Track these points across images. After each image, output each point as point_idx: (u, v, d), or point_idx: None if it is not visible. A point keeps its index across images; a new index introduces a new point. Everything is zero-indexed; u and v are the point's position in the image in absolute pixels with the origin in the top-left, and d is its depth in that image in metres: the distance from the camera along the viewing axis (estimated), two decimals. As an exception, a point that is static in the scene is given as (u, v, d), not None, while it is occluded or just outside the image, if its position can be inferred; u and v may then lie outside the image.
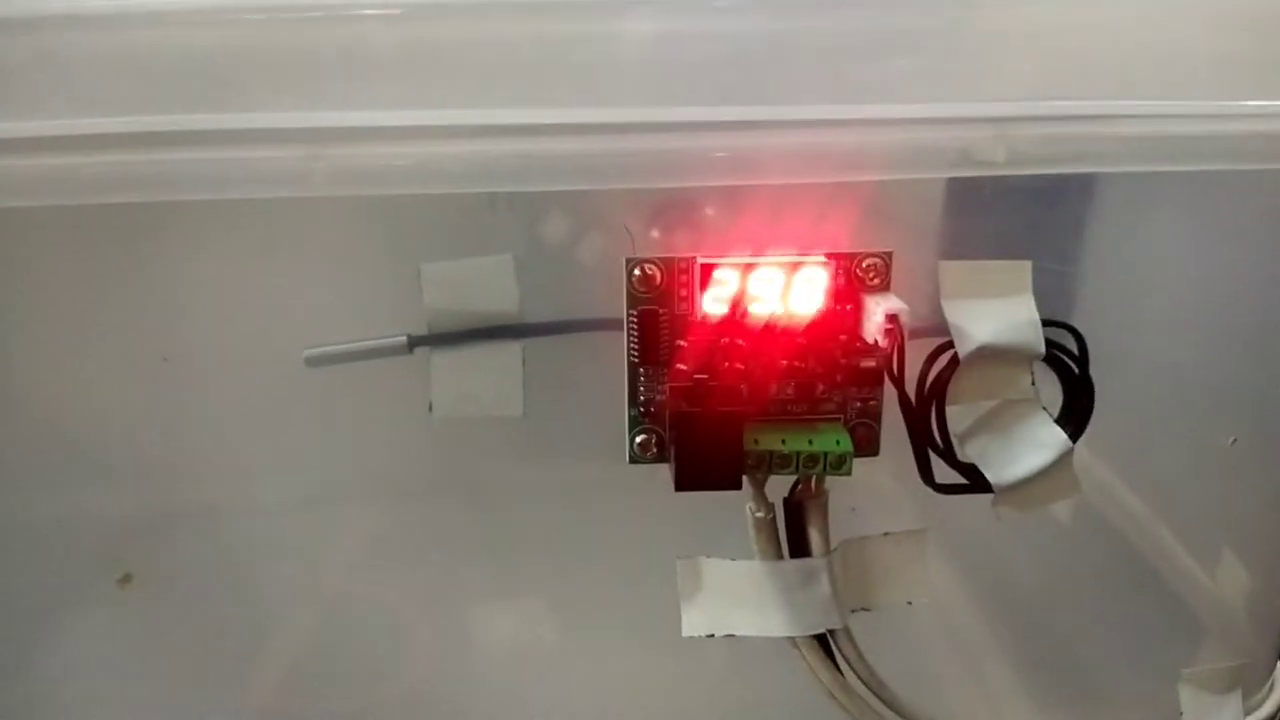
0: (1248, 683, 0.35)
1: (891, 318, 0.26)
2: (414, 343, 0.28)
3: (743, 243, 0.27)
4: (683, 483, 0.27)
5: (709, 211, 0.29)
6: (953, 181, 0.31)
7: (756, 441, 0.27)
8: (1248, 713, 0.35)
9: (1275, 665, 0.36)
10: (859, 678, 0.30)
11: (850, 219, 0.27)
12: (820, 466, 0.27)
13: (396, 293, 0.28)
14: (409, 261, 0.27)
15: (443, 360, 0.28)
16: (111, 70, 0.24)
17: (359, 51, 0.25)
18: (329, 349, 0.28)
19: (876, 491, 0.30)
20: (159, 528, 0.37)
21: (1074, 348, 0.29)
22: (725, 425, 0.26)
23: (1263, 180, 0.29)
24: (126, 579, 0.34)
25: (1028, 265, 0.28)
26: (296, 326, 0.30)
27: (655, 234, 0.30)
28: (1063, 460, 0.29)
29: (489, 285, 0.27)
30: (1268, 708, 0.35)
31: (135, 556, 0.37)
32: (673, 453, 0.27)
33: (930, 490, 0.29)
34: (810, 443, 0.27)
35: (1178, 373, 0.36)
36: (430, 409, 0.28)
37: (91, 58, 0.24)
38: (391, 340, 0.28)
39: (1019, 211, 0.30)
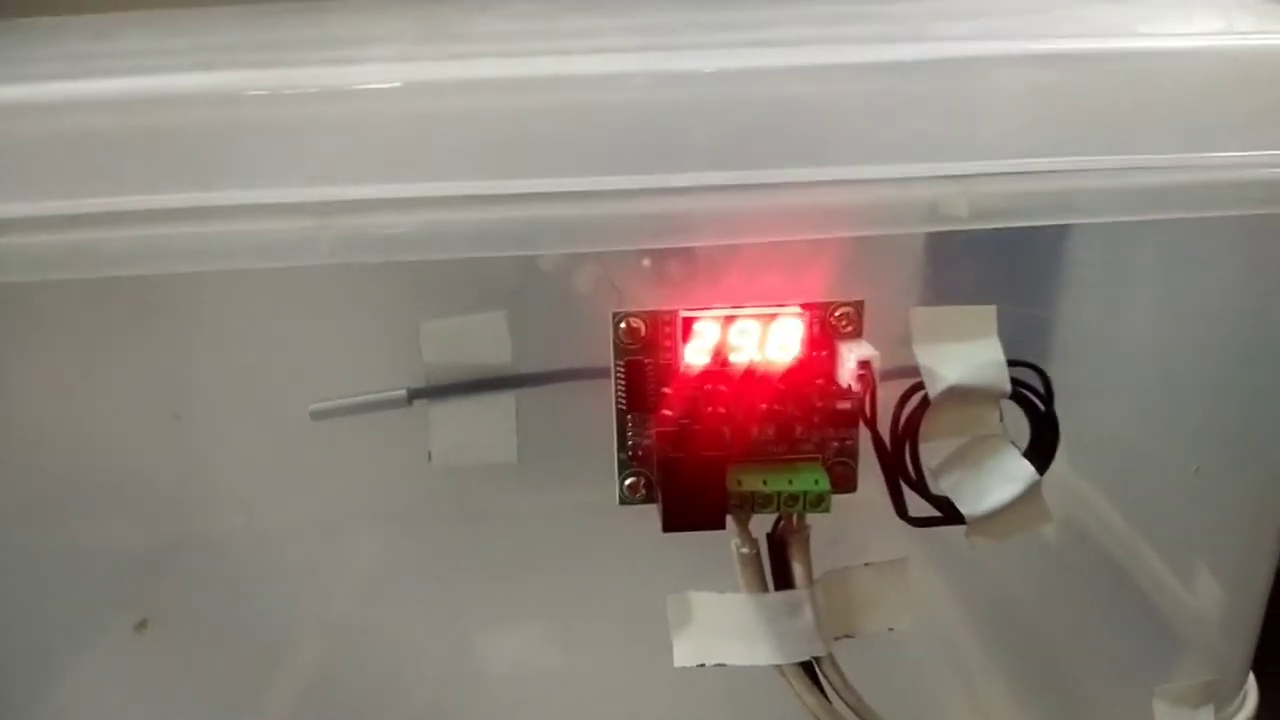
0: (1221, 695, 0.36)
1: (864, 363, 0.28)
2: (413, 395, 0.30)
3: (722, 295, 0.29)
4: (670, 524, 0.28)
5: (645, 264, 0.31)
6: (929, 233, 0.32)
7: (740, 483, 0.29)
8: (1221, 725, 0.36)
9: (1247, 678, 0.37)
10: (845, 702, 0.31)
11: (824, 272, 0.29)
12: (800, 505, 0.29)
13: (396, 348, 0.30)
14: (408, 319, 0.29)
15: (441, 412, 0.30)
16: (123, 150, 0.25)
17: (360, 125, 0.26)
18: (333, 403, 0.30)
19: (857, 524, 0.32)
20: (169, 564, 0.38)
21: (1039, 386, 0.30)
22: (709, 469, 0.28)
23: (1226, 225, 0.30)
24: (143, 625, 0.35)
25: (992, 309, 0.29)
26: (301, 381, 0.31)
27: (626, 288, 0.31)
28: (1031, 491, 0.30)
29: (483, 340, 0.29)
30: (1240, 718, 0.36)
31: (146, 593, 0.38)
32: (660, 496, 0.29)
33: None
34: (790, 482, 0.29)
35: (1149, 402, 0.37)
36: (429, 458, 0.30)
37: (103, 138, 0.25)
38: (392, 394, 0.30)
39: (991, 259, 0.32)
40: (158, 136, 0.26)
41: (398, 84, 0.27)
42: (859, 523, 0.31)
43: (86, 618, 0.38)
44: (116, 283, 0.26)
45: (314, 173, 0.26)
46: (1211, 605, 0.38)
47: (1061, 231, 0.36)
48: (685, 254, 0.29)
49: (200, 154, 0.26)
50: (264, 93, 0.26)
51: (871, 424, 0.28)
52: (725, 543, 0.30)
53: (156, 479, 0.36)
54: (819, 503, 0.29)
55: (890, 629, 0.32)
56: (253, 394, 0.33)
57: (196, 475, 0.35)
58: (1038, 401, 0.30)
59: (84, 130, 0.26)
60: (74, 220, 0.26)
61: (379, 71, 0.27)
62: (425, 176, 0.26)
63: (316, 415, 0.30)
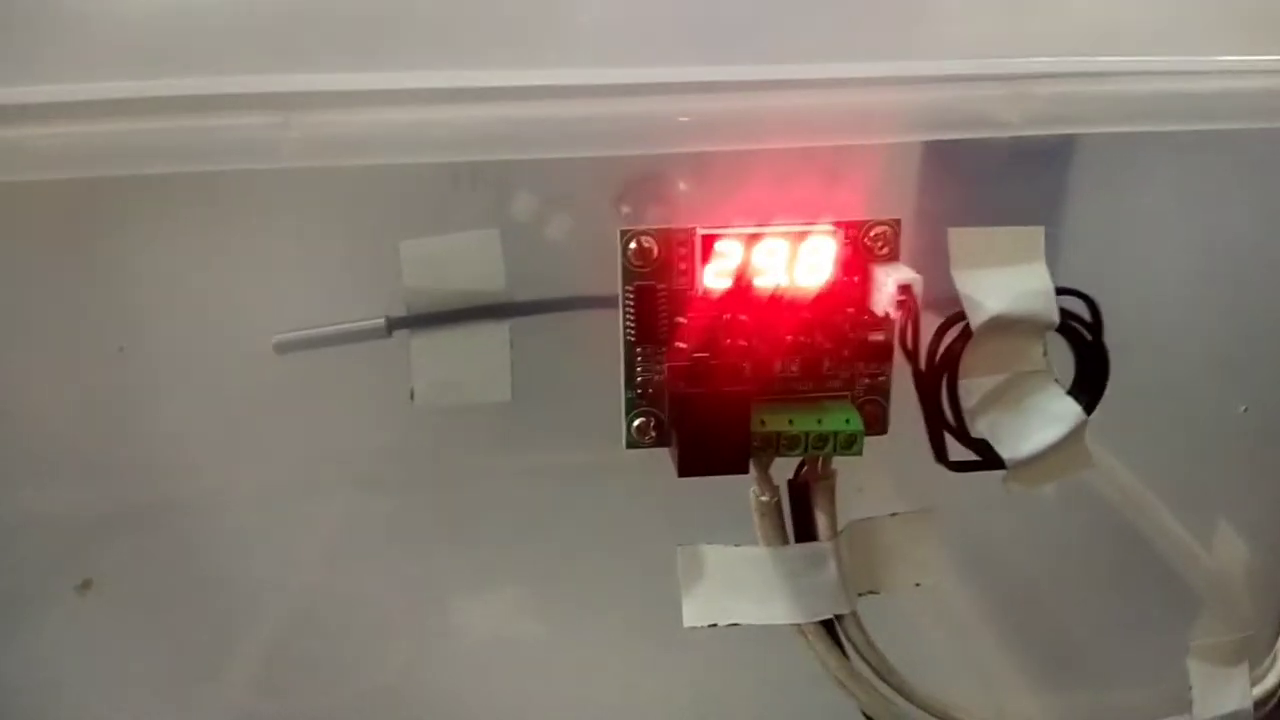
0: (1252, 653, 0.34)
1: (904, 288, 0.25)
2: (393, 325, 0.26)
3: (730, 212, 0.25)
4: (686, 467, 0.25)
5: (682, 186, 0.28)
6: (928, 147, 0.29)
7: (763, 422, 0.26)
8: (1252, 683, 0.34)
9: (1277, 638, 0.35)
10: (867, 663, 0.29)
11: (858, 186, 0.26)
12: (829, 447, 0.26)
13: (372, 273, 0.26)
14: (385, 240, 0.25)
15: (424, 343, 0.26)
16: (55, 34, 0.22)
17: (329, 9, 0.23)
18: (300, 334, 0.26)
19: (884, 470, 0.29)
20: (119, 525, 0.35)
21: (1086, 315, 0.28)
22: (731, 406, 0.25)
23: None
24: (87, 584, 0.32)
25: (1040, 231, 0.27)
26: (264, 310, 0.28)
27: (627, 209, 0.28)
28: (1076, 433, 0.28)
29: (473, 263, 0.26)
30: (1271, 680, 0.34)
31: (95, 556, 0.35)
32: (675, 437, 0.26)
33: (936, 467, 0.28)
34: (819, 422, 0.26)
35: (1173, 345, 0.35)
36: (411, 397, 0.26)
37: (32, 19, 0.22)
38: (369, 323, 0.26)
39: (998, 178, 0.29)
40: (94, 18, 0.22)
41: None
42: (871, 466, 0.28)
43: (32, 584, 0.35)
44: (44, 199, 0.23)
45: (276, 61, 0.23)
46: (1235, 564, 0.36)
47: (1084, 145, 0.33)
48: (700, 163, 0.26)
49: (143, 39, 0.22)
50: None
51: (913, 356, 0.25)
52: (734, 492, 0.27)
53: (99, 419, 0.32)
54: (850, 444, 0.26)
55: (917, 584, 0.29)
56: (206, 325, 0.29)
57: (144, 420, 0.31)
58: (1085, 332, 0.28)
59: (5, 10, 0.22)
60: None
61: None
62: (402, 65, 0.23)
63: (281, 348, 0.26)
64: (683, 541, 0.28)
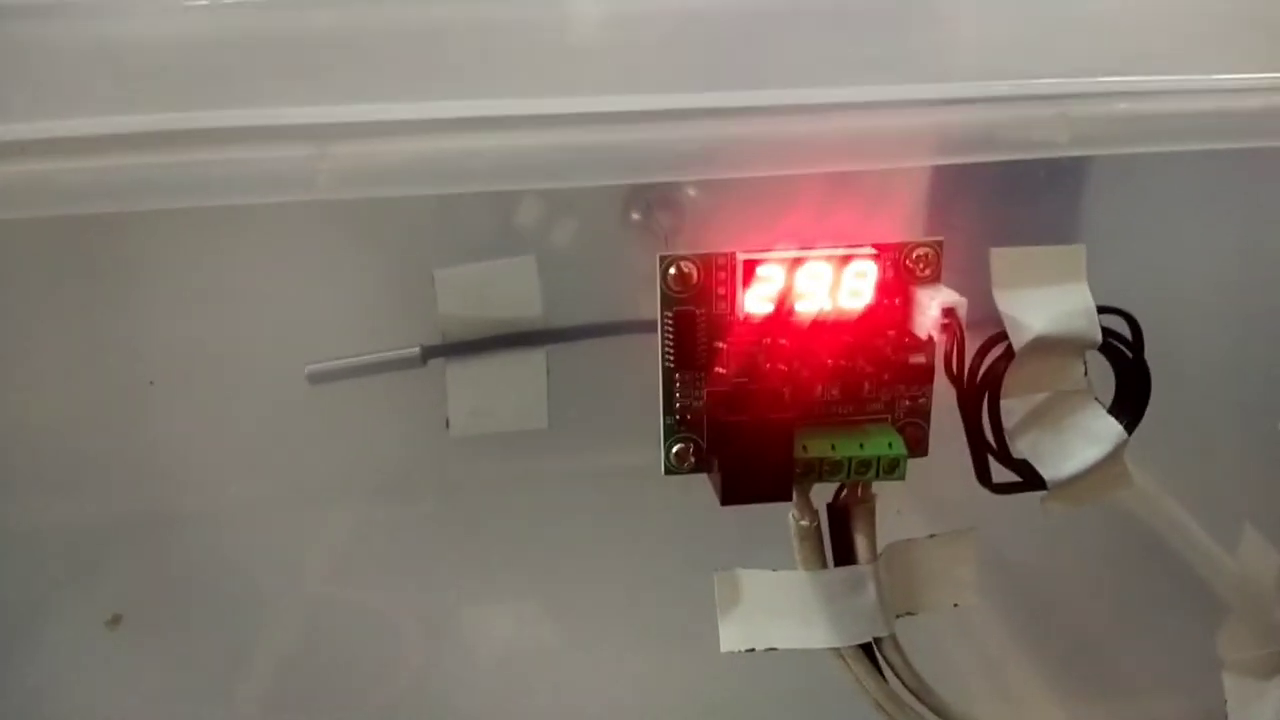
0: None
1: (949, 311, 0.24)
2: (428, 354, 0.26)
3: (778, 237, 0.25)
4: (729, 496, 0.25)
5: (691, 193, 0.28)
6: (941, 169, 0.29)
7: (805, 449, 0.25)
8: (1284, 696, 0.34)
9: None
10: (905, 685, 0.29)
11: (899, 208, 0.25)
12: (872, 472, 0.26)
13: (406, 300, 0.26)
14: (420, 267, 0.25)
15: (459, 372, 0.26)
16: (88, 65, 0.21)
17: (365, 38, 0.22)
18: (333, 364, 0.26)
19: (923, 491, 0.29)
20: (126, 540, 0.35)
21: (1127, 333, 0.27)
22: (773, 434, 0.24)
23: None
24: (116, 620, 0.31)
25: (1081, 249, 0.26)
26: (297, 339, 0.27)
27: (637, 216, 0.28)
28: (1116, 452, 0.27)
29: (509, 289, 0.25)
30: (1305, 690, 0.34)
31: (103, 571, 0.35)
32: (716, 465, 0.25)
33: (971, 488, 0.27)
34: (861, 447, 0.26)
35: (1200, 357, 0.35)
36: (447, 425, 0.26)
37: (64, 51, 0.21)
38: (403, 352, 0.26)
39: (1019, 195, 0.29)
40: (127, 50, 0.22)
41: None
42: (910, 488, 0.28)
43: (50, 598, 0.34)
44: (78, 231, 0.22)
45: (309, 91, 0.22)
46: (1264, 574, 0.36)
47: (1112, 165, 0.33)
48: (739, 188, 0.25)
49: (176, 71, 0.22)
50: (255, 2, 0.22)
51: (959, 380, 0.25)
52: (774, 516, 0.27)
53: (128, 451, 0.31)
54: (893, 469, 0.26)
55: (955, 605, 0.29)
56: (238, 355, 0.29)
57: (170, 445, 0.31)
58: (1126, 350, 0.27)
59: (40, 42, 0.21)
60: (22, 147, 0.21)
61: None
62: (436, 95, 0.22)
63: (315, 378, 0.26)
64: (711, 561, 0.28)
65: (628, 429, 0.26)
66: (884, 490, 0.27)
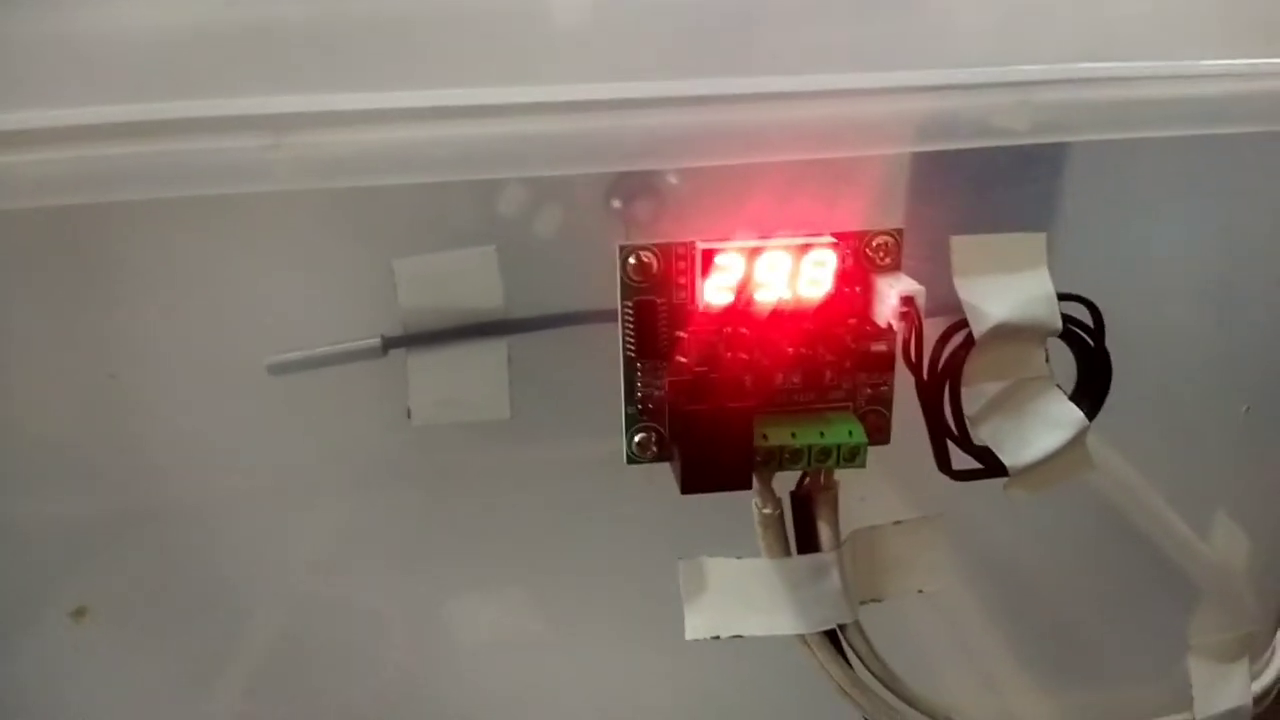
0: (1252, 649, 0.35)
1: (907, 300, 0.25)
2: (389, 344, 0.26)
3: (739, 226, 0.25)
4: (689, 485, 0.25)
5: (673, 180, 0.28)
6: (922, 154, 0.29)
7: (765, 437, 0.25)
8: (1251, 678, 0.34)
9: (1276, 632, 0.35)
10: (871, 672, 0.29)
11: (860, 197, 0.25)
12: (833, 460, 0.26)
13: (367, 291, 0.26)
14: (380, 256, 0.25)
15: (421, 362, 0.26)
16: (42, 59, 0.21)
17: (320, 27, 0.22)
18: (294, 355, 0.26)
19: (887, 478, 0.29)
20: (107, 535, 0.35)
21: (1089, 320, 0.27)
22: (733, 422, 0.25)
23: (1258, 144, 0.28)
24: (81, 612, 0.31)
25: (1042, 237, 0.27)
26: (257, 331, 0.27)
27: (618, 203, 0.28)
28: (1078, 439, 0.27)
29: (470, 279, 0.25)
30: (1269, 675, 0.35)
31: (84, 567, 0.34)
32: (677, 454, 0.25)
33: (938, 474, 0.28)
34: (822, 435, 0.26)
35: (1174, 345, 0.35)
36: (408, 415, 0.26)
37: (19, 43, 0.21)
38: (364, 343, 0.26)
39: (987, 186, 0.29)
40: (82, 41, 0.21)
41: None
42: (874, 475, 0.28)
43: (19, 595, 0.34)
44: (34, 224, 0.22)
45: (268, 80, 0.22)
46: (1236, 559, 0.36)
47: (1090, 151, 0.33)
48: (699, 176, 0.25)
49: (131, 61, 0.22)
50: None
51: (917, 368, 0.25)
52: (736, 503, 0.27)
53: (90, 444, 0.31)
54: (854, 456, 0.26)
55: (920, 591, 0.29)
56: (199, 346, 0.29)
57: (135, 438, 0.31)
58: (1087, 338, 0.27)
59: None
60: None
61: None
62: (393, 84, 0.22)
63: (275, 370, 0.26)
64: (682, 549, 0.28)
65: (591, 420, 0.26)
66: (848, 478, 0.28)
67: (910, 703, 0.29)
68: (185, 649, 0.36)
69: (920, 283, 0.25)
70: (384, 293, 0.26)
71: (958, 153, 0.25)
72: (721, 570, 0.28)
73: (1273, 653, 0.35)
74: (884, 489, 0.29)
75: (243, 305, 0.28)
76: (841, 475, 0.27)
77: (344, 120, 0.22)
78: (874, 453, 0.27)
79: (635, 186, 0.28)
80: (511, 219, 0.26)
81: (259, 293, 0.28)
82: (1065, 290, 0.27)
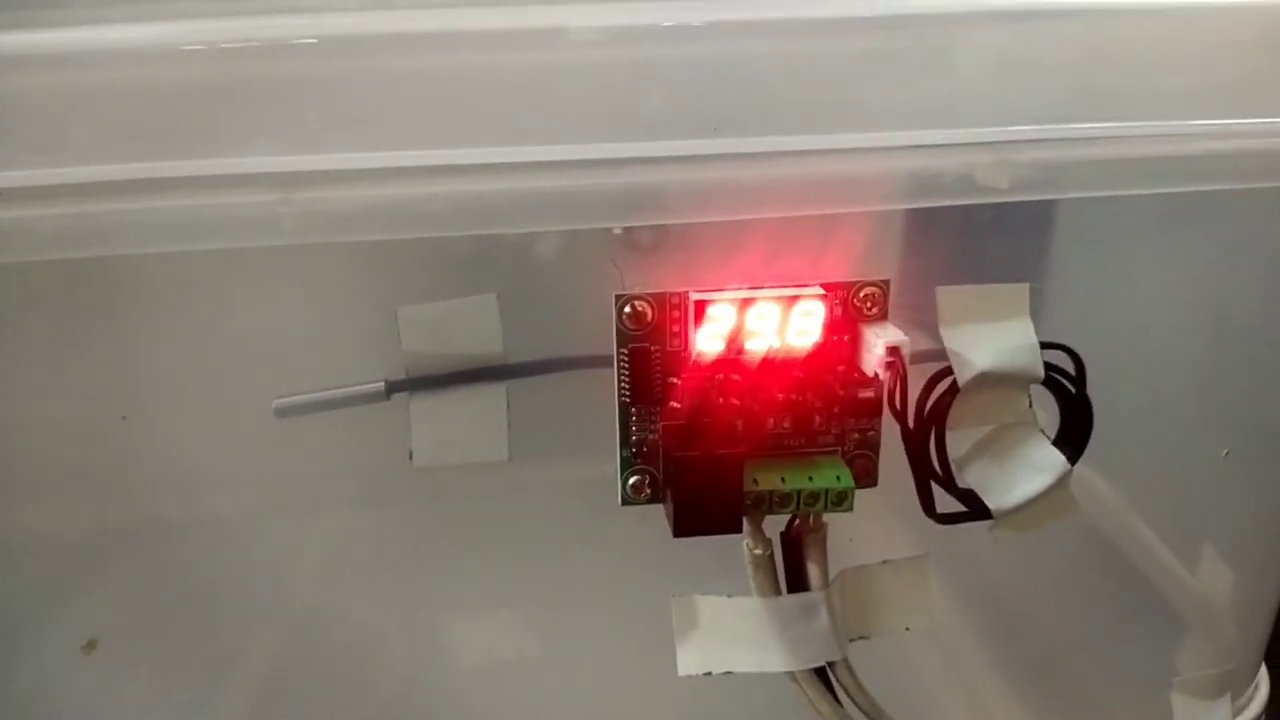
0: (1235, 685, 0.35)
1: (893, 349, 0.25)
2: (392, 388, 0.27)
3: (731, 277, 0.26)
4: (682, 528, 0.26)
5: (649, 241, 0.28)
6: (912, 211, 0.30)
7: (755, 481, 0.26)
8: (1234, 715, 0.35)
9: (1259, 669, 0.36)
10: (859, 708, 0.30)
11: (846, 249, 0.26)
12: (821, 504, 0.27)
13: (371, 336, 0.26)
14: (385, 304, 0.26)
15: (423, 406, 0.27)
16: (58, 114, 0.22)
17: (328, 87, 0.23)
18: (301, 398, 0.27)
19: (874, 519, 0.29)
20: (107, 550, 0.35)
21: (1070, 368, 0.28)
22: (724, 467, 0.25)
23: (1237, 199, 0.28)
24: (91, 645, 0.32)
25: (1025, 288, 0.27)
26: (265, 374, 0.28)
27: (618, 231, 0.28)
28: (1061, 482, 0.28)
29: (471, 326, 0.26)
30: (1253, 709, 0.35)
31: (84, 582, 0.35)
32: (670, 497, 0.26)
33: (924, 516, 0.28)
34: (810, 479, 0.27)
35: (1163, 385, 0.36)
36: (410, 457, 0.27)
37: (33, 101, 0.22)
38: (368, 387, 0.27)
39: (980, 239, 0.29)
40: (96, 98, 0.22)
41: (367, 41, 0.23)
42: (861, 516, 0.29)
43: (19, 609, 0.35)
44: (45, 274, 0.23)
45: (274, 140, 0.23)
46: (1222, 595, 0.37)
47: (1068, 204, 0.34)
48: (692, 231, 0.26)
49: (145, 119, 0.23)
50: (217, 51, 0.23)
51: (902, 415, 0.26)
52: (732, 543, 0.28)
53: (100, 474, 0.32)
54: (841, 501, 0.27)
55: (907, 629, 0.30)
56: (209, 390, 0.30)
57: (135, 442, 0.31)
58: (1069, 385, 0.28)
59: (8, 93, 0.22)
60: (2, 195, 0.22)
61: (338, 23, 0.23)
62: (402, 144, 0.23)
63: (282, 412, 0.26)
64: (676, 574, 0.28)
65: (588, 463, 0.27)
66: (837, 519, 0.28)
67: (897, 736, 0.30)
68: (187, 670, 0.36)
69: (911, 330, 0.26)
70: (388, 338, 0.26)
71: (947, 207, 0.26)
72: (713, 608, 0.29)
73: (1255, 689, 0.36)
74: (872, 530, 0.30)
75: (252, 349, 0.29)
76: (831, 517, 0.28)
77: (350, 177, 0.23)
78: (862, 494, 0.28)
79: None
80: (511, 268, 0.27)
81: (268, 336, 0.29)
82: (1048, 339, 0.28)
